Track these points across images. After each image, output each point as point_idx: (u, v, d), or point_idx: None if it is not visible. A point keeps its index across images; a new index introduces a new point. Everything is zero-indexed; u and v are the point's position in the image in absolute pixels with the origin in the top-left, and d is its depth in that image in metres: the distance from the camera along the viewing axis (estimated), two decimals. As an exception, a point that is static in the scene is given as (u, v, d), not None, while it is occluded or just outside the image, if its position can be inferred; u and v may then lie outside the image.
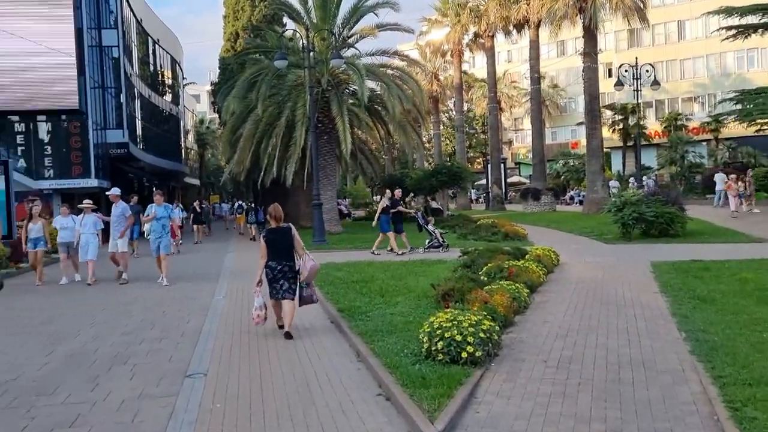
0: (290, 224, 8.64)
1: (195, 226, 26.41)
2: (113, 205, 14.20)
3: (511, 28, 42.02)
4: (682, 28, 57.29)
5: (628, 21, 32.43)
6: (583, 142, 72.67)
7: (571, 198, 51.97)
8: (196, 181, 73.63)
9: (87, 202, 14.61)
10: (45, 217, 23.51)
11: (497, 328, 6.60)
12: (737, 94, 27.87)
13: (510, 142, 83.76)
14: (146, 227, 14.19)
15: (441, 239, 17.72)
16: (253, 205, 35.31)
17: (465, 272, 11.41)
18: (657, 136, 57.11)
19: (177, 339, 8.07)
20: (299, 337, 7.96)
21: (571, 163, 59.49)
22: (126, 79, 33.29)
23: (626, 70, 30.21)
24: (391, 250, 17.40)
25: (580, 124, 69.68)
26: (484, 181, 56.40)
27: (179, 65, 58.06)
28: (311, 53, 21.20)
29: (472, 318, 6.29)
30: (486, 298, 7.93)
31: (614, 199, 18.82)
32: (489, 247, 13.60)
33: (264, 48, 27.89)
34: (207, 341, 7.84)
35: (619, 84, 30.32)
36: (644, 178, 47.94)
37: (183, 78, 63.64)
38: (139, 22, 40.18)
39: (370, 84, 25.34)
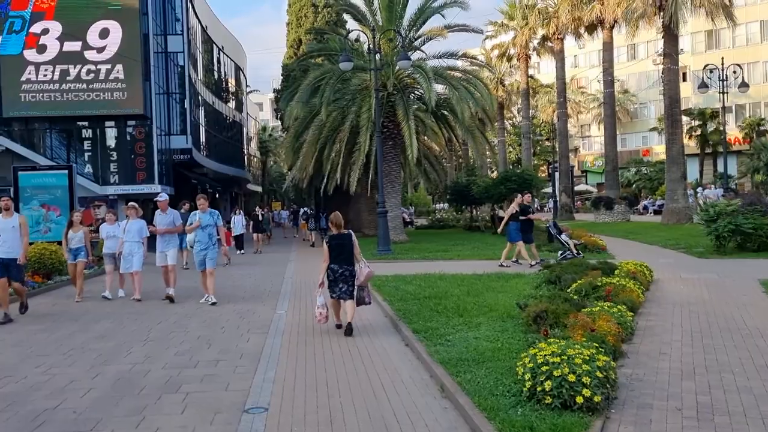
0: (351, 231, 9.30)
1: (255, 235, 25.09)
2: (157, 212, 12.49)
3: (582, 30, 40.37)
4: (765, 29, 54.10)
5: (712, 19, 30.35)
6: (656, 149, 70.38)
7: (645, 207, 49.60)
8: (258, 188, 74.12)
9: (132, 205, 12.79)
10: (94, 222, 23.89)
11: (613, 364, 5.46)
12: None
13: (576, 150, 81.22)
14: (189, 237, 12.45)
15: (575, 251, 16.18)
16: (314, 212, 34.85)
17: (551, 289, 10.25)
18: (737, 143, 54.11)
19: (235, 361, 7.23)
20: (372, 363, 7.01)
21: (644, 171, 56.89)
22: (190, 85, 33.31)
23: (711, 71, 28.24)
24: (517, 260, 16.15)
25: (653, 130, 67.21)
26: (549, 189, 54.52)
27: (243, 72, 58.45)
28: (377, 55, 20.34)
29: (584, 352, 5.18)
30: (588, 323, 6.77)
31: (707, 209, 17.18)
32: (573, 261, 12.34)
33: (327, 51, 27.28)
34: (268, 366, 6.95)
35: (704, 86, 28.35)
36: (703, 189, 45.33)
37: (246, 86, 64.14)
38: (204, 29, 40.39)
39: (437, 87, 24.34)
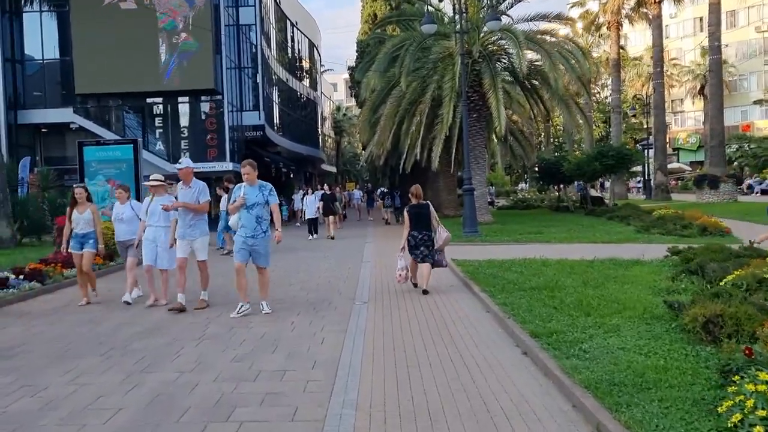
0: (428, 201, 10.47)
1: (326, 219, 21.59)
2: (179, 185, 8.90)
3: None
4: None
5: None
6: (758, 124, 65.08)
7: (750, 187, 45.53)
8: (332, 168, 73.35)
9: (155, 177, 9.50)
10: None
11: None
12: None
13: (667, 126, 76.50)
14: (232, 220, 8.54)
15: None
16: (389, 191, 33.31)
17: (695, 282, 8.21)
18: None
19: (306, 374, 5.64)
20: (485, 378, 5.27)
21: (746, 148, 52.40)
22: (263, 60, 32.18)
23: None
24: None
25: (756, 103, 62.03)
26: (638, 168, 50.97)
27: (317, 49, 57.30)
28: (463, 15, 18.32)
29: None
30: (793, 335, 4.80)
31: None
32: (709, 245, 10.17)
33: (406, 16, 25.39)
34: (348, 384, 5.31)
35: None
36: None
37: (321, 64, 63.04)
38: (277, 3, 39.22)
39: (528, 54, 22.07)
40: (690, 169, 66.94)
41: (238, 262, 8.35)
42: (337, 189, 24.95)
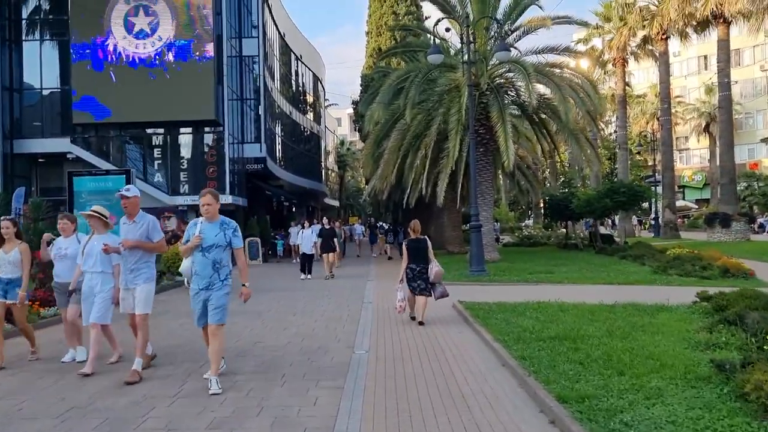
0: (426, 236, 10.79)
1: (323, 255, 19.48)
2: (122, 219, 7.22)
3: (690, 29, 36.54)
4: None
5: None
6: (765, 162, 64.45)
7: (761, 226, 44.61)
8: (335, 203, 72.75)
9: (95, 208, 7.56)
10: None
11: None
12: None
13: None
14: (183, 265, 6.64)
15: None
16: (392, 226, 32.54)
17: (735, 333, 7.32)
18: None
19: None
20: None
21: (755, 186, 51.65)
22: (266, 92, 31.68)
23: None
24: None
25: (765, 140, 61.50)
26: (645, 205, 50.10)
27: (321, 83, 57.10)
28: (471, 45, 17.69)
29: None
30: None
31: None
32: (744, 291, 9.28)
33: (411, 47, 24.88)
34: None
35: None
36: None
37: (325, 99, 62.86)
38: (282, 36, 38.95)
39: (537, 87, 21.47)
40: (696, 206, 66.26)
41: (199, 326, 6.78)
42: (337, 223, 23.18)
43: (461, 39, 18.80)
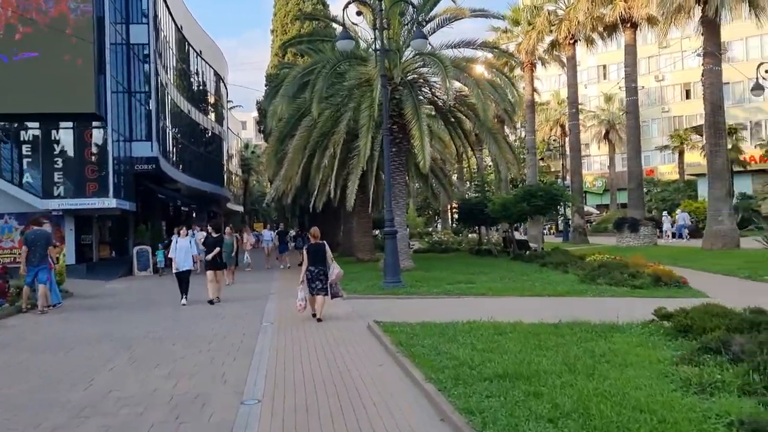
0: (324, 241, 11.65)
1: (209, 273, 14.90)
2: None
3: (595, 34, 36.54)
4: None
5: (757, 16, 26.45)
6: (660, 169, 66.81)
7: (661, 230, 45.35)
8: (239, 208, 69.67)
9: None
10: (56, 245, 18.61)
11: None
12: None
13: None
14: None
15: None
16: (299, 233, 30.47)
17: (720, 364, 5.84)
18: (753, 161, 50.47)
19: None
20: None
21: (654, 191, 53.07)
22: (159, 86, 28.81)
23: (767, 71, 24.23)
24: None
25: (659, 148, 63.66)
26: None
27: (224, 83, 54.14)
28: (384, 32, 15.95)
29: None
30: None
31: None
32: (708, 308, 7.94)
33: (319, 37, 22.92)
34: None
35: (759, 88, 24.38)
36: (667, 213, 41.28)
37: (228, 100, 59.86)
38: (179, 29, 36.00)
39: (453, 84, 20.02)
40: (597, 212, 67.84)
41: None
42: (227, 229, 19.07)
43: (374, 25, 17.05)
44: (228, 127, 59.04)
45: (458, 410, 5.22)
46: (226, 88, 56.12)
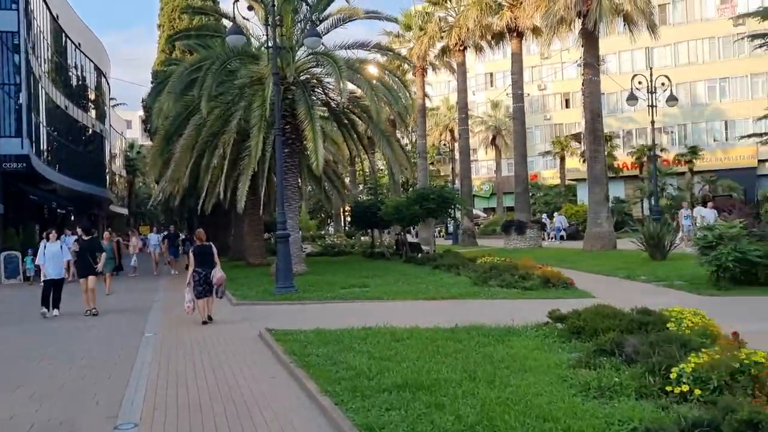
0: (211, 243, 11.90)
1: (82, 281, 13.37)
2: None
3: (484, 42, 37.60)
4: (649, 56, 54.32)
5: (630, 30, 28.07)
6: (543, 174, 69.83)
7: (546, 233, 47.29)
8: (123, 211, 66.34)
9: None
10: None
11: None
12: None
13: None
14: None
15: None
16: (187, 236, 29.21)
17: (622, 368, 5.90)
18: (625, 168, 53.74)
19: None
20: None
21: (540, 195, 55.37)
22: (31, 78, 26.69)
23: (640, 82, 25.73)
24: None
25: (542, 154, 66.53)
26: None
27: (106, 79, 51.26)
28: (277, 28, 15.42)
29: None
30: None
31: (705, 234, 13.71)
32: (599, 309, 8.09)
33: (208, 32, 21.99)
34: None
35: (633, 98, 25.82)
36: (546, 216, 44.02)
37: (111, 97, 56.80)
38: (54, 18, 33.61)
39: (347, 85, 19.77)
40: (485, 215, 69.89)
41: None
42: (106, 234, 17.27)
43: (266, 21, 16.47)
44: (111, 126, 56.04)
45: (357, 426, 4.91)
46: (108, 84, 53.21)
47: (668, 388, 5.15)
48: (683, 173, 50.56)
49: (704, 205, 43.59)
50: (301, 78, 20.09)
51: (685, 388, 5.02)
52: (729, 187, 46.24)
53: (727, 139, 52.95)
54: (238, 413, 5.77)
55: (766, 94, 49.55)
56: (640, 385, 5.32)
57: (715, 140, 53.51)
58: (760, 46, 25.20)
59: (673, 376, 5.21)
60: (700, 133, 54.20)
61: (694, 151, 49.87)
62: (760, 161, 50.18)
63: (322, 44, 19.49)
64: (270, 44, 15.24)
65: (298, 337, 8.83)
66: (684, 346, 5.96)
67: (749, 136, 24.82)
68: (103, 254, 14.21)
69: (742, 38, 27.90)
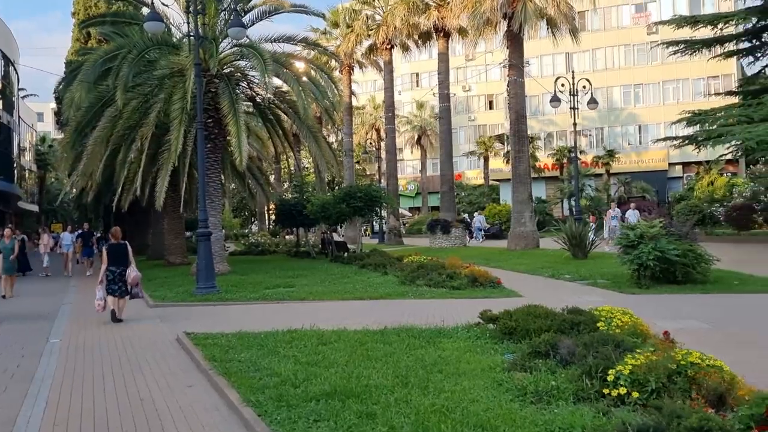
0: (126, 241, 11.56)
1: None
2: None
3: (412, 40, 37.67)
4: (569, 60, 55.93)
5: (553, 35, 28.65)
6: (467, 174, 70.80)
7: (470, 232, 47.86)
8: (34, 207, 62.86)
9: None
10: None
11: None
12: (691, 114, 24.63)
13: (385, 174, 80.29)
14: None
15: None
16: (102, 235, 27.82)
17: (556, 369, 5.75)
18: (546, 169, 55.16)
19: None
20: None
21: (464, 195, 56.03)
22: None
23: (563, 84, 26.24)
24: None
25: (466, 154, 67.40)
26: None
27: (14, 67, 48.35)
28: (200, 16, 14.69)
29: None
30: None
31: (626, 233, 13.96)
32: (530, 309, 7.98)
33: (125, 18, 20.88)
34: None
35: (555, 100, 26.30)
36: (468, 215, 45.15)
37: (20, 87, 53.66)
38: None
39: (273, 81, 19.18)
40: (410, 214, 70.28)
41: None
42: (7, 230, 15.55)
43: (187, 8, 15.71)
44: (20, 117, 52.94)
45: (282, 438, 4.52)
46: (17, 73, 50.21)
47: (605, 391, 5.02)
48: (601, 175, 52.41)
49: (620, 206, 45.21)
50: (225, 71, 19.37)
51: (623, 390, 4.89)
52: (642, 189, 48.14)
53: (640, 143, 55.21)
54: (149, 429, 5.26)
55: (676, 101, 52.08)
56: (577, 389, 5.16)
57: (629, 144, 55.67)
58: (674, 53, 26.12)
59: (610, 378, 5.08)
60: (616, 137, 56.27)
61: (610, 153, 51.78)
62: (670, 164, 52.60)
63: (247, 37, 18.85)
64: (192, 33, 14.48)
65: (218, 340, 8.33)
66: (618, 347, 5.87)
67: (664, 139, 25.74)
68: None
69: (657, 45, 28.87)
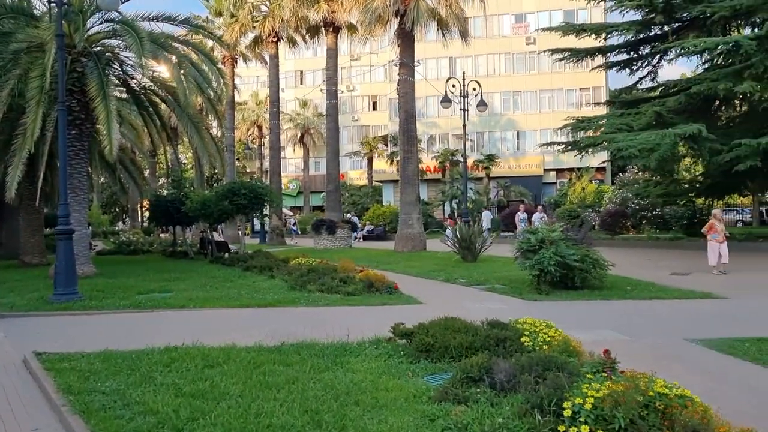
0: None
1: None
2: None
3: (301, 34, 36.39)
4: (453, 65, 56.72)
5: (443, 35, 28.49)
6: (350, 174, 70.21)
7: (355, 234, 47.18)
8: None
9: None
10: None
11: None
12: (577, 120, 25.11)
13: (267, 172, 78.37)
14: None
15: None
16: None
17: (495, 401, 4.91)
18: (429, 171, 55.64)
19: None
20: None
21: (347, 195, 55.31)
22: None
23: (453, 86, 26.04)
24: None
25: (349, 154, 66.80)
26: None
27: None
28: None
29: None
30: None
31: (528, 237, 13.55)
32: (447, 323, 7.14)
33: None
34: None
35: (447, 101, 26.05)
36: (352, 215, 45.38)
37: None
38: None
39: (151, 63, 17.36)
40: (291, 213, 68.95)
41: None
42: None
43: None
44: None
45: None
46: None
47: (561, 429, 4.21)
48: (481, 178, 53.49)
49: (500, 209, 46.23)
50: (95, 49, 17.27)
51: (585, 429, 4.10)
52: (520, 193, 49.64)
53: (518, 149, 56.97)
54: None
55: (551, 109, 54.22)
56: (529, 427, 4.32)
57: (507, 149, 57.30)
58: (559, 60, 26.65)
59: (567, 413, 4.27)
60: (495, 142, 57.71)
61: (490, 158, 52.98)
62: (545, 170, 54.63)
63: (119, 12, 16.88)
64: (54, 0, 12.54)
65: (78, 363, 6.84)
66: (560, 370, 5.13)
67: (548, 144, 26.24)
68: None
69: (542, 53, 29.37)
